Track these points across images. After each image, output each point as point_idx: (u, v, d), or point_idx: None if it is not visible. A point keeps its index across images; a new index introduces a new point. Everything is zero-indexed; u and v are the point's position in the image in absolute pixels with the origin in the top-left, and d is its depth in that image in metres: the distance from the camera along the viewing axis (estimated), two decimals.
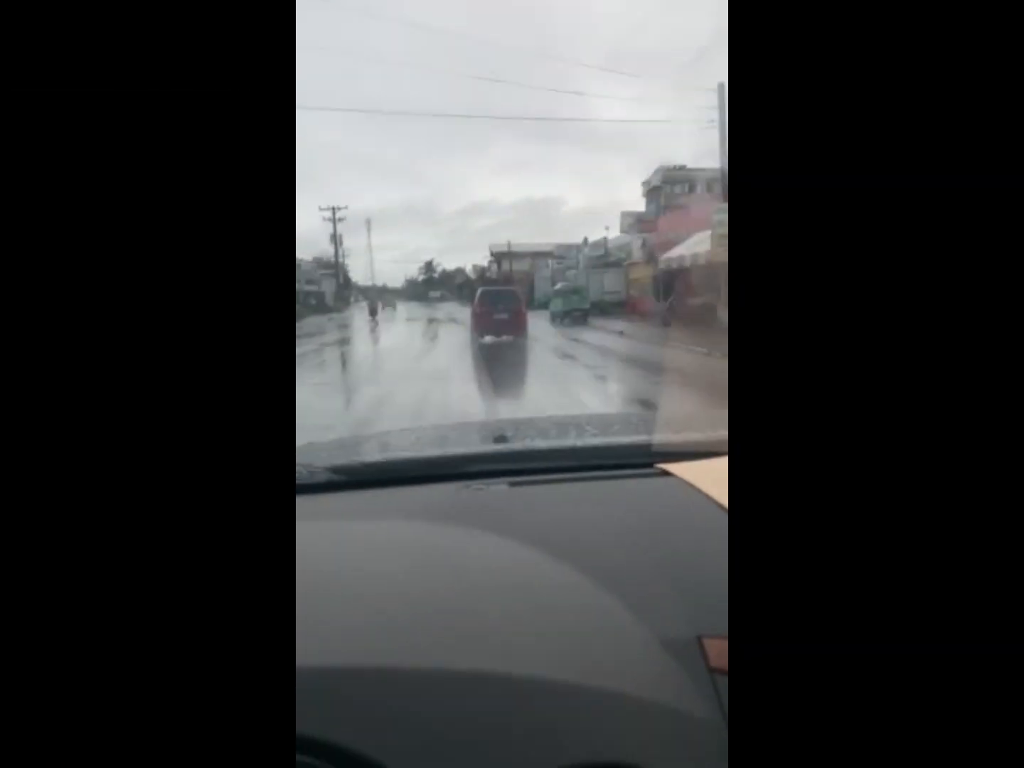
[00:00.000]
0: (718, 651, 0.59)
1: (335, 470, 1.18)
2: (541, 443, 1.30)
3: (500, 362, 13.82)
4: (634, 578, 0.71)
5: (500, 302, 18.73)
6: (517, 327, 18.15)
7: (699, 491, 0.90)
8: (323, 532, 0.90)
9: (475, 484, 1.08)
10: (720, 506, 0.84)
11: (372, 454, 1.46)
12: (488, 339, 17.88)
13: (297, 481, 1.10)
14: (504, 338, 17.94)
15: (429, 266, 76.79)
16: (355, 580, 0.74)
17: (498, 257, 52.75)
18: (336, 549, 0.85)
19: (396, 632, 0.62)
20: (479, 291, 20.29)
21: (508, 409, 8.78)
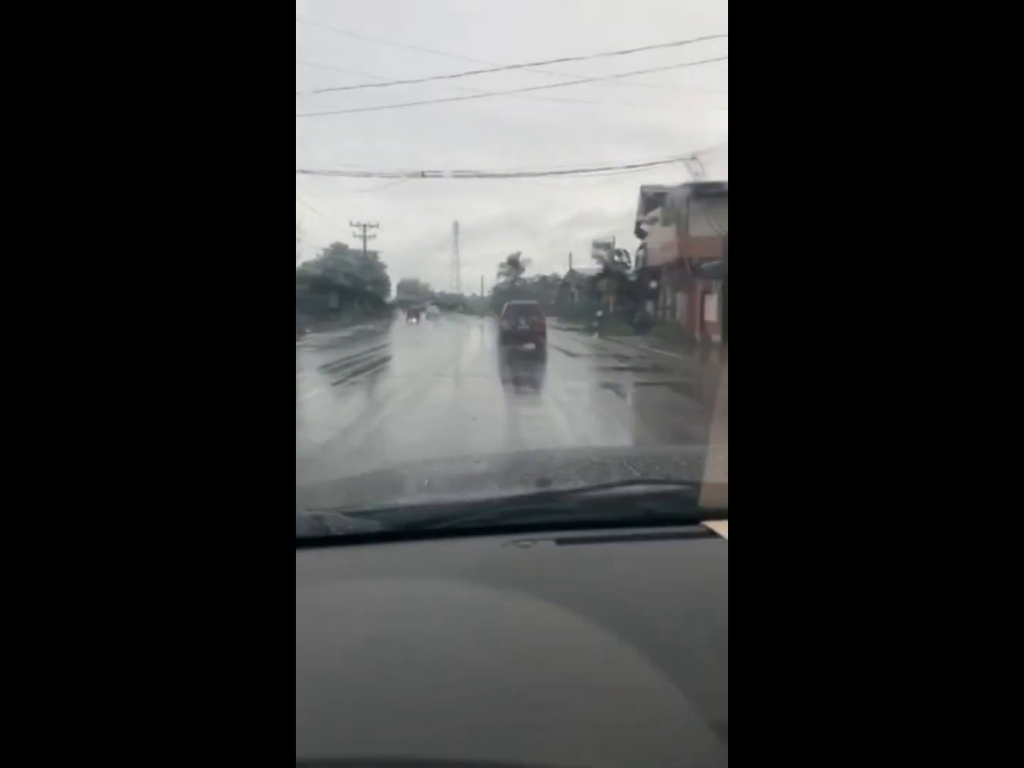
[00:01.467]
0: None
1: (360, 515, 1.14)
2: (585, 492, 1.27)
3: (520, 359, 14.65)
4: (687, 654, 0.69)
5: (523, 314, 22.14)
6: (537, 336, 21.37)
7: None
8: (352, 594, 0.86)
9: (522, 540, 1.05)
10: None
11: (401, 496, 1.41)
12: (512, 345, 20.62)
13: (312, 532, 1.05)
14: (527, 345, 20.58)
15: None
16: (403, 648, 0.71)
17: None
18: (371, 612, 0.81)
19: (431, 721, 0.59)
20: (505, 305, 23.69)
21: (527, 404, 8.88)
